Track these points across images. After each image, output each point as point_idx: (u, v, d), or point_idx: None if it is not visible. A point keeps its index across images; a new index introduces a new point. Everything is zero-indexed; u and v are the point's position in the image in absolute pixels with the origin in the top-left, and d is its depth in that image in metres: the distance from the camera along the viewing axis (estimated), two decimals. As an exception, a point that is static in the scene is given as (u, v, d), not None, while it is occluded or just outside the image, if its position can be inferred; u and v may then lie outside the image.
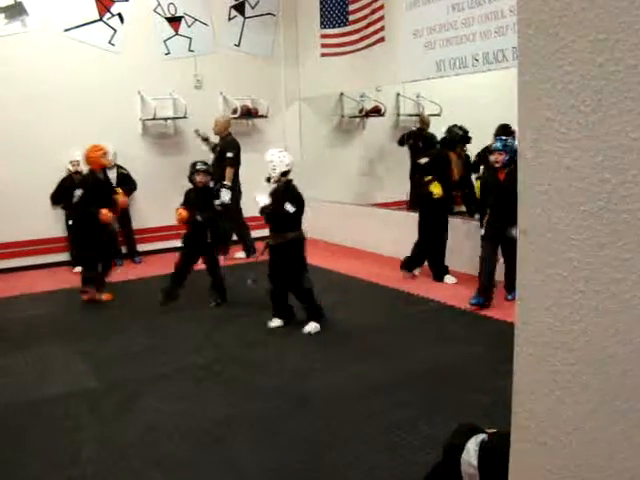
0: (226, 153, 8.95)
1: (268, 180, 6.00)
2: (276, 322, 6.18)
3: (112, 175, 8.79)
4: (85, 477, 3.63)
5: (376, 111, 10.72)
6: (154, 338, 6.00)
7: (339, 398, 4.53)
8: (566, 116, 1.19)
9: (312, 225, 7.99)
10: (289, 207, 5.78)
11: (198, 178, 6.82)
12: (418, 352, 5.37)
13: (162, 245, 9.75)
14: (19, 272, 8.70)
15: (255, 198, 6.09)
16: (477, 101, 10.12)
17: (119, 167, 9.05)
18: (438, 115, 10.47)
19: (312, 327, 5.98)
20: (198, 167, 6.85)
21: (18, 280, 8.31)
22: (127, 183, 8.93)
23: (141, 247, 9.69)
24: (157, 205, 9.70)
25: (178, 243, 8.94)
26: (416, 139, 10.25)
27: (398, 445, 3.84)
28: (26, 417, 4.40)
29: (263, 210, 6.01)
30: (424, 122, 10.57)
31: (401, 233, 8.25)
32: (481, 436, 2.07)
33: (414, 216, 7.79)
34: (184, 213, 6.71)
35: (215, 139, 9.36)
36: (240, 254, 9.33)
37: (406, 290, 7.23)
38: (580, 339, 1.21)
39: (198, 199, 6.80)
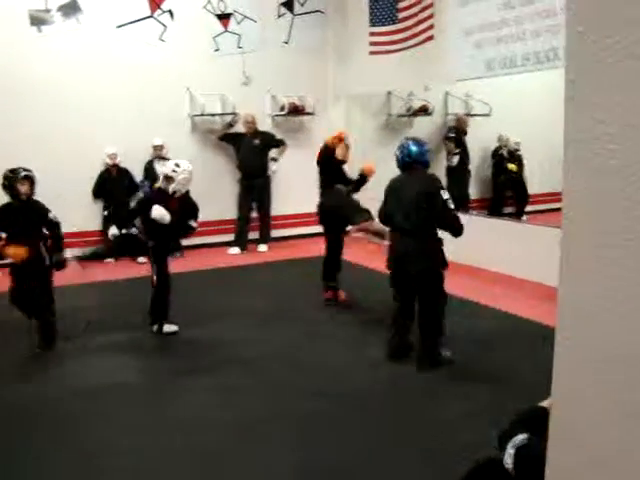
0: (274, 138, 9.77)
1: None
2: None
3: (158, 167, 8.95)
4: (118, 466, 3.68)
5: (424, 110, 10.60)
6: (198, 331, 6.05)
7: (387, 401, 4.49)
8: (616, 117, 1.13)
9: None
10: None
11: (23, 189, 5.36)
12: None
13: (203, 240, 9.85)
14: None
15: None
16: (528, 101, 9.95)
17: (164, 159, 9.16)
18: (488, 115, 10.33)
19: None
20: (24, 174, 5.40)
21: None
22: None
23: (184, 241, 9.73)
24: (203, 200, 9.76)
25: (220, 238, 9.10)
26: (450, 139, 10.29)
27: (436, 451, 3.79)
28: (66, 406, 4.48)
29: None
30: (461, 122, 10.46)
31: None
32: (521, 437, 2.02)
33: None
34: (19, 251, 5.25)
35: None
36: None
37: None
38: (625, 347, 1.15)
39: (19, 215, 5.38)
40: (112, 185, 9.05)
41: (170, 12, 9.45)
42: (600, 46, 1.13)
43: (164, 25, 9.44)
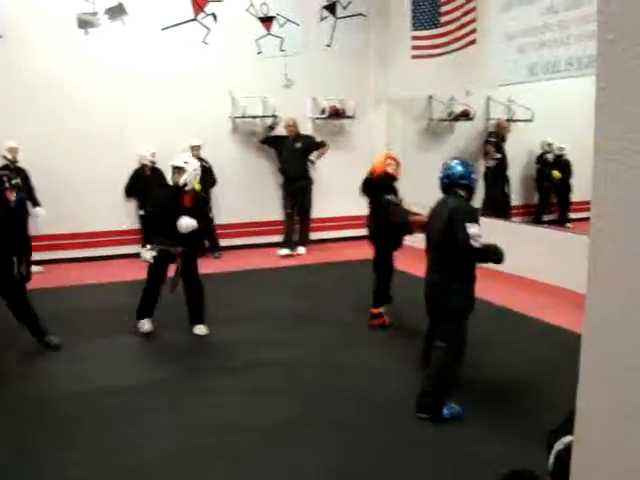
0: (314, 140, 9.82)
1: None
2: None
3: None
4: (149, 465, 3.74)
5: (465, 115, 10.52)
6: (234, 331, 6.10)
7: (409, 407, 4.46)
8: (647, 127, 1.11)
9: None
10: None
11: (12, 197, 5.30)
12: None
13: (242, 241, 9.97)
14: (96, 262, 8.97)
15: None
16: (572, 106, 9.79)
17: (201, 160, 9.28)
18: (530, 121, 10.19)
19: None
20: (15, 182, 5.38)
21: (89, 269, 8.62)
22: (204, 177, 9.18)
23: (223, 242, 9.87)
24: (243, 201, 9.93)
25: (261, 239, 9.17)
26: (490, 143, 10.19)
27: (468, 461, 3.75)
28: (99, 405, 4.56)
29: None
30: (500, 127, 10.35)
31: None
32: (566, 439, 1.98)
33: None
34: None
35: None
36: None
37: None
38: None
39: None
40: (143, 184, 9.06)
41: (214, 15, 9.55)
42: (631, 54, 1.12)
43: (207, 28, 9.54)
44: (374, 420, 4.29)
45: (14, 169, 8.26)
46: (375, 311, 6.27)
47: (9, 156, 8.25)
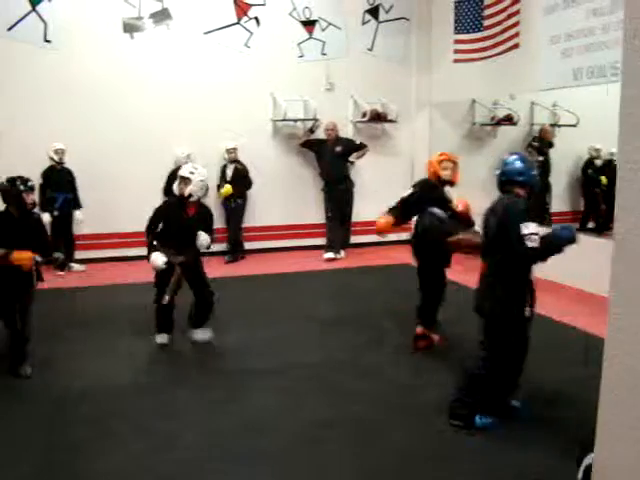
0: (354, 143, 9.79)
1: None
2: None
3: (229, 172, 9.39)
4: (181, 461, 3.76)
5: (509, 119, 10.37)
6: (268, 333, 6.12)
7: (442, 412, 4.41)
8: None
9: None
10: None
11: (29, 199, 5.06)
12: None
13: (281, 244, 10.06)
14: (129, 261, 9.06)
15: None
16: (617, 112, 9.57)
17: (237, 162, 9.37)
18: (574, 126, 10.00)
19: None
20: (31, 184, 5.11)
21: (127, 269, 8.72)
22: (239, 180, 9.32)
23: (259, 245, 10.00)
24: (280, 204, 10.01)
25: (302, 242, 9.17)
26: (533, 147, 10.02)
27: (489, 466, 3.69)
28: (125, 401, 4.62)
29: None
30: (544, 132, 10.17)
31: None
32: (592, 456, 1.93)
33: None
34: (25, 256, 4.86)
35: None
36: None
37: None
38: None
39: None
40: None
41: (256, 19, 9.62)
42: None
43: (250, 32, 9.61)
44: (401, 424, 4.24)
45: (60, 170, 8.48)
46: (420, 331, 5.66)
47: (56, 157, 8.43)
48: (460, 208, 5.54)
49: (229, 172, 9.39)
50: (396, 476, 3.66)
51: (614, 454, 1.20)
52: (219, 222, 9.00)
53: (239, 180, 9.30)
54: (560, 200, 10.65)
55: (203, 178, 5.55)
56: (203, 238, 5.55)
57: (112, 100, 8.94)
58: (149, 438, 4.05)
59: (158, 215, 5.60)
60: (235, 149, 9.36)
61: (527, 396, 4.48)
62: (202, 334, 5.82)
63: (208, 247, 5.67)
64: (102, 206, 9.01)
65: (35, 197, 5.21)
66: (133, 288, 7.68)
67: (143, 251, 5.68)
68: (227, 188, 8.84)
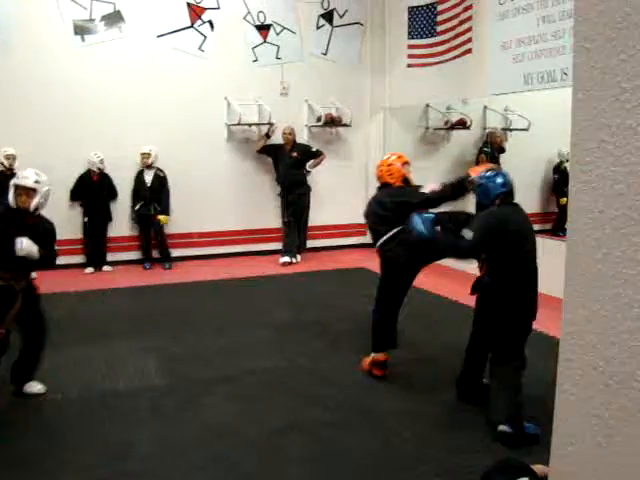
0: (310, 150, 9.72)
1: None
2: None
3: (148, 178, 9.18)
4: (136, 472, 3.69)
5: (461, 124, 10.51)
6: (223, 340, 6.06)
7: (402, 416, 4.42)
8: (622, 138, 1.09)
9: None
10: None
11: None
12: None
13: (238, 249, 9.97)
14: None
15: None
16: (569, 117, 9.75)
17: (157, 169, 9.25)
18: (526, 130, 10.17)
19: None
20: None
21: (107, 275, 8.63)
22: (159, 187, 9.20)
23: (214, 250, 9.91)
24: (235, 209, 9.96)
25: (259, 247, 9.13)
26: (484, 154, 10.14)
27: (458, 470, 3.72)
28: (90, 409, 4.53)
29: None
30: (494, 137, 10.29)
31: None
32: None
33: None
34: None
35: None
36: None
37: None
38: (627, 382, 1.10)
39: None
40: (88, 190, 9.03)
41: (210, 23, 9.55)
42: (607, 64, 1.09)
43: (204, 35, 9.54)
44: (362, 429, 4.25)
45: (10, 176, 8.21)
46: (380, 358, 5.10)
47: (6, 163, 8.15)
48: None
49: (148, 178, 9.15)
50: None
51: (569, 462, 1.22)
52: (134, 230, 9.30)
53: (159, 187, 9.18)
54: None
55: (48, 187, 4.56)
56: (24, 240, 4.36)
57: (66, 105, 8.78)
58: (101, 449, 3.96)
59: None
60: (149, 154, 9.08)
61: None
62: (37, 388, 4.78)
63: (32, 257, 4.43)
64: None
65: None
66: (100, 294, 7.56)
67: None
68: (164, 219, 9.08)
